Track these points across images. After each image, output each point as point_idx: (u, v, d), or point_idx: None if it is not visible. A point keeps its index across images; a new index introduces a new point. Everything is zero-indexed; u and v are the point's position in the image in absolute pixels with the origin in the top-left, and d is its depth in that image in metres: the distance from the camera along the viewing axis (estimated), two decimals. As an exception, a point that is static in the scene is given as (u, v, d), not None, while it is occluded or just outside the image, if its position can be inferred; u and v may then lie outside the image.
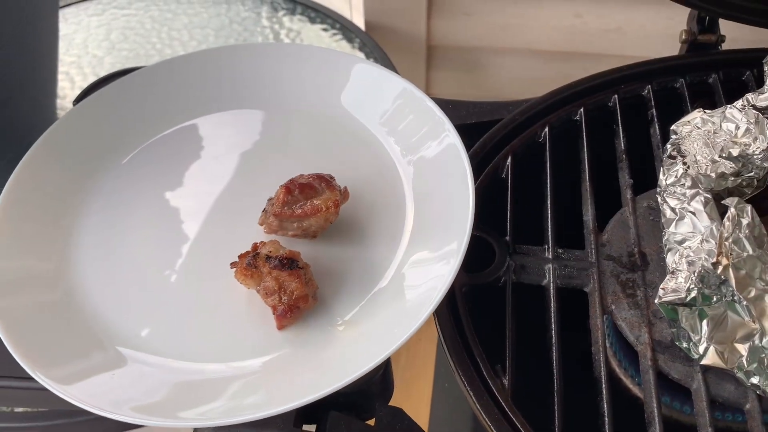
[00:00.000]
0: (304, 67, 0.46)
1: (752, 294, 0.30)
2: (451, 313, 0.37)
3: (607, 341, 0.38)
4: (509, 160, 0.44)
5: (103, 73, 0.81)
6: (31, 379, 0.33)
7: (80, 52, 0.85)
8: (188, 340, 0.36)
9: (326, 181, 0.38)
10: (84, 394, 0.32)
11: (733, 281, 0.30)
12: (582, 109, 0.47)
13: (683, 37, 0.52)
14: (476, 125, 0.47)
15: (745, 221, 0.31)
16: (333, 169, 0.40)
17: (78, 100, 0.49)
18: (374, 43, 0.82)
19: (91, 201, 0.42)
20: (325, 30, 0.87)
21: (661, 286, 0.32)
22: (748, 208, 0.31)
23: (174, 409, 0.32)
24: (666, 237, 0.34)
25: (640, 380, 0.38)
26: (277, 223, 0.38)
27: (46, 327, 0.35)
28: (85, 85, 0.81)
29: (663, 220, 0.35)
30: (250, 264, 0.35)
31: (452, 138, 0.40)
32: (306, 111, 0.45)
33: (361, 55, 0.79)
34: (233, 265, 0.36)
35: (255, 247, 0.36)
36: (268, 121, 0.45)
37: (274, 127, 0.45)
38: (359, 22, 0.92)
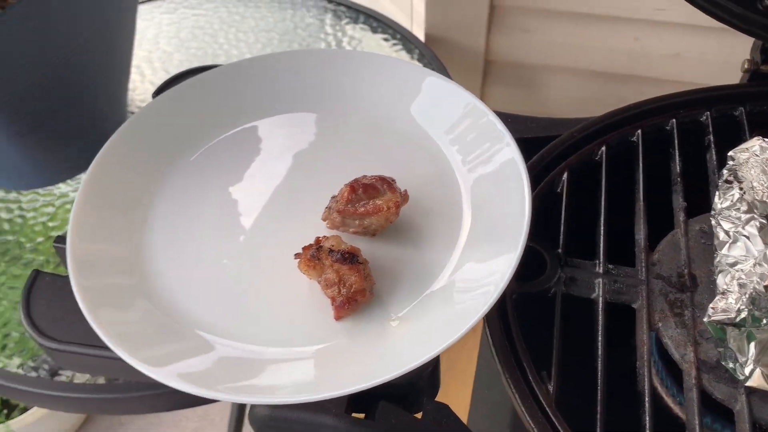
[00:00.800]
0: (377, 75, 0.48)
1: (804, 319, 0.30)
2: (501, 318, 0.39)
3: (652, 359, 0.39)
4: (565, 175, 0.45)
5: (172, 69, 0.86)
6: (106, 348, 0.35)
7: (151, 47, 0.89)
8: (251, 324, 0.38)
9: (388, 183, 0.40)
10: (158, 366, 0.34)
11: (785, 305, 0.30)
12: (639, 131, 0.48)
13: (745, 66, 0.52)
14: (534, 140, 0.48)
15: (799, 247, 0.31)
16: (394, 173, 0.42)
17: (157, 93, 0.51)
18: (432, 54, 0.84)
19: (163, 192, 0.45)
20: (385, 40, 0.89)
21: (711, 305, 0.33)
22: (804, 234, 0.32)
23: (234, 386, 0.34)
24: (718, 259, 0.35)
25: (681, 399, 0.39)
26: (340, 220, 0.40)
27: (125, 308, 0.37)
28: (155, 79, 0.86)
29: (716, 242, 0.36)
30: (314, 256, 0.37)
31: (512, 151, 0.41)
32: (373, 117, 0.47)
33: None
34: (297, 256, 0.38)
35: (318, 240, 0.38)
36: (335, 124, 0.47)
37: (340, 131, 0.47)
38: (419, 33, 0.94)
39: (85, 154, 0.71)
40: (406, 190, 0.40)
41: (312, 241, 0.39)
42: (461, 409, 0.57)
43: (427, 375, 0.37)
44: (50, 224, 0.71)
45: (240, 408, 1.09)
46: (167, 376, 0.34)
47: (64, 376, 0.58)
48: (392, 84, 0.47)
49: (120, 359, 0.36)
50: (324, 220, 0.41)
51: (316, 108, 0.49)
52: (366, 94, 0.48)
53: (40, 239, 0.69)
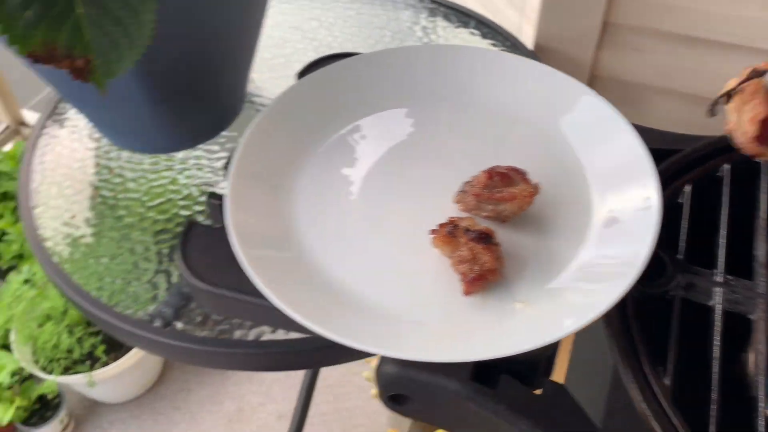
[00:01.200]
0: (527, 80, 0.51)
1: None
2: (620, 313, 0.41)
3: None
4: (688, 188, 0.47)
5: (287, 53, 0.90)
6: (257, 295, 0.39)
7: (270, 32, 0.94)
8: (389, 290, 0.41)
9: (522, 174, 0.43)
10: (308, 317, 0.37)
11: None
12: (765, 152, 0.49)
13: None
14: (657, 151, 0.50)
15: None
16: (525, 168, 0.44)
17: (301, 75, 0.55)
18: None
19: (305, 170, 0.48)
20: (494, 45, 0.91)
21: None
22: None
23: (374, 340, 0.37)
24: None
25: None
26: (474, 203, 0.42)
27: (278, 265, 0.41)
28: (273, 63, 0.90)
29: None
30: (450, 233, 0.40)
31: (644, 157, 0.43)
32: (512, 118, 0.50)
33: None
34: (433, 232, 0.41)
35: (453, 220, 0.41)
36: (475, 120, 0.50)
37: (475, 126, 0.50)
38: (527, 42, 0.96)
39: (209, 126, 0.77)
40: (538, 182, 0.43)
41: (444, 221, 0.42)
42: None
43: (547, 357, 0.39)
44: (170, 187, 0.76)
45: (308, 389, 1.13)
46: (314, 322, 0.37)
47: (177, 328, 0.63)
48: (545, 92, 0.50)
49: (265, 306, 0.40)
50: (457, 202, 0.44)
51: (452, 102, 0.51)
52: (511, 95, 0.50)
53: (160, 200, 0.75)
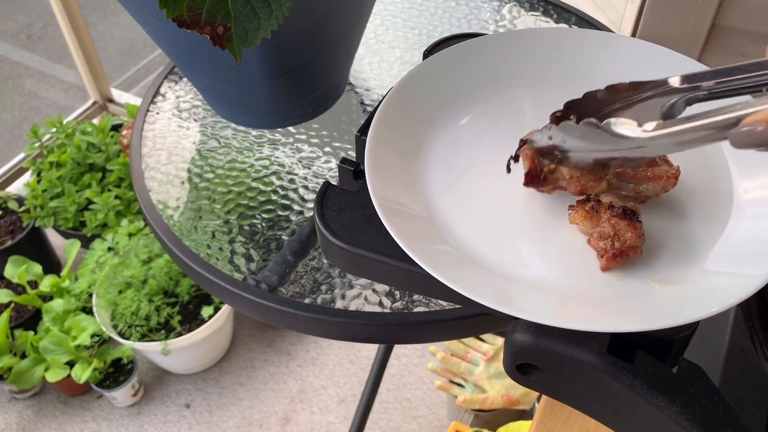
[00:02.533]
0: (659, 66, 0.50)
1: None
2: (761, 300, 0.40)
3: None
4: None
5: (388, 40, 0.92)
6: (390, 256, 0.40)
7: (372, 19, 0.96)
8: (526, 261, 0.42)
9: (663, 156, 0.43)
10: (451, 280, 0.38)
11: None
12: None
13: None
14: None
15: None
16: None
17: (427, 54, 0.56)
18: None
19: (438, 143, 0.49)
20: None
21: None
22: None
23: (512, 302, 0.38)
24: None
25: None
26: (615, 181, 0.43)
27: (417, 230, 0.42)
28: (375, 47, 0.92)
29: None
30: (593, 208, 0.40)
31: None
32: None
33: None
34: (572, 207, 0.42)
35: (596, 196, 0.41)
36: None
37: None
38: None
39: (313, 105, 0.79)
40: (679, 166, 0.43)
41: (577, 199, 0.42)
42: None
43: (683, 338, 0.39)
44: (275, 160, 0.78)
45: (378, 373, 1.14)
46: (454, 282, 0.38)
47: (282, 293, 0.65)
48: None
49: (399, 267, 0.41)
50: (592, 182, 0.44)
51: (584, 85, 0.51)
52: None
53: (265, 172, 0.77)
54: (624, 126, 0.36)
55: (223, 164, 0.77)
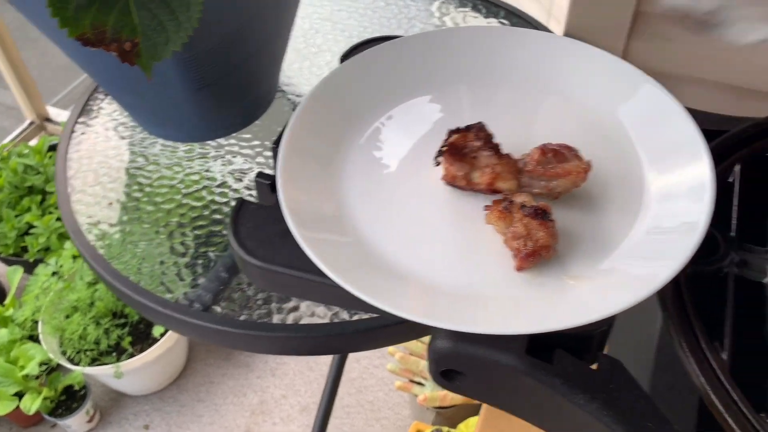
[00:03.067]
0: (590, 67, 0.51)
1: None
2: (675, 290, 0.41)
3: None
4: (737, 167, 0.47)
5: (318, 42, 0.91)
6: (309, 271, 0.40)
7: (299, 23, 0.95)
8: (442, 265, 0.41)
9: (574, 151, 0.43)
10: (362, 290, 0.38)
11: None
12: (814, 132, 0.49)
13: None
14: (704, 132, 0.50)
15: None
16: (577, 146, 0.44)
17: (344, 58, 0.55)
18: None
19: (355, 147, 0.48)
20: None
21: None
22: None
23: (425, 311, 0.37)
24: None
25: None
26: (526, 180, 0.42)
27: (331, 242, 0.41)
28: (306, 52, 0.91)
29: None
30: (506, 208, 0.40)
31: (697, 136, 0.43)
32: (563, 97, 0.50)
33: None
34: (487, 208, 0.41)
35: (507, 196, 0.41)
36: (521, 98, 0.50)
37: (526, 105, 0.50)
38: (558, 32, 0.96)
39: (242, 114, 0.77)
40: (590, 161, 0.43)
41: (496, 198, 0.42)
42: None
43: (601, 332, 0.39)
44: (205, 174, 0.77)
45: (335, 380, 1.13)
46: (369, 294, 0.37)
47: (215, 312, 0.63)
48: (602, 79, 0.50)
49: (318, 282, 0.40)
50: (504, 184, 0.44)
51: (504, 83, 0.51)
52: (563, 77, 0.50)
53: (196, 187, 0.75)
54: None
55: (152, 182, 0.75)
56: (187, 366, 1.53)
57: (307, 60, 0.89)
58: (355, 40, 0.95)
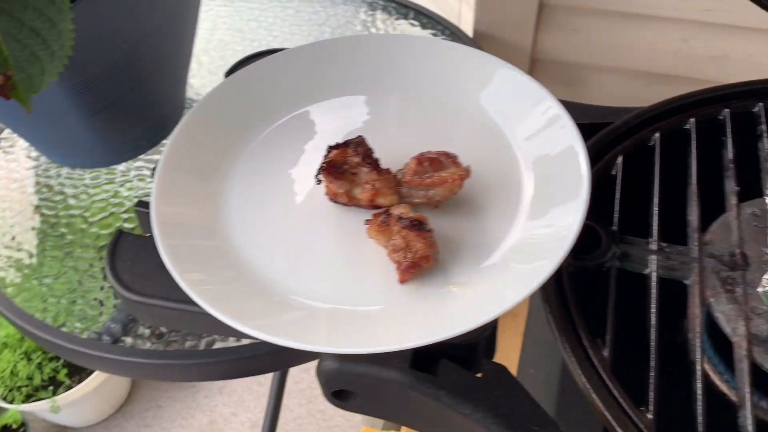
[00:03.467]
0: (449, 62, 0.50)
1: None
2: (557, 289, 0.41)
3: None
4: (620, 159, 0.47)
5: (228, 58, 0.89)
6: (187, 302, 0.38)
7: (208, 37, 0.93)
8: (320, 284, 0.40)
9: (452, 158, 0.42)
10: (236, 317, 0.37)
11: (838, 275, 0.32)
12: (693, 120, 0.49)
13: (799, 60, 0.54)
14: (588, 125, 0.50)
15: None
16: (456, 151, 0.44)
17: (229, 73, 0.54)
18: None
19: (238, 162, 0.48)
20: (434, 35, 0.91)
21: (765, 276, 0.35)
22: None
23: (308, 336, 0.37)
24: (773, 235, 0.37)
25: (728, 377, 0.40)
26: (405, 190, 0.42)
27: (206, 266, 0.40)
28: (212, 67, 0.89)
29: (771, 219, 0.37)
30: (384, 222, 0.40)
31: (571, 131, 0.43)
32: (436, 100, 0.50)
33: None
34: (367, 222, 0.41)
35: (386, 209, 0.41)
36: (401, 105, 0.50)
37: (403, 112, 0.50)
38: (467, 30, 0.96)
39: (147, 135, 0.75)
40: (469, 166, 0.42)
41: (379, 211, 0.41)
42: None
43: (486, 338, 0.39)
44: (112, 200, 0.74)
45: (277, 394, 1.11)
46: (242, 324, 0.36)
47: (124, 343, 0.62)
48: (462, 71, 0.49)
49: (195, 312, 0.39)
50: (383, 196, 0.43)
51: (383, 90, 0.51)
52: (436, 78, 0.50)
53: (103, 215, 0.73)
54: None
55: (57, 212, 0.72)
56: (132, 392, 1.49)
57: (216, 74, 0.87)
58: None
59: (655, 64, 0.91)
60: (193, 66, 0.88)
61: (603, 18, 0.88)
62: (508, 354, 0.68)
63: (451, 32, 0.92)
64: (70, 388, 1.28)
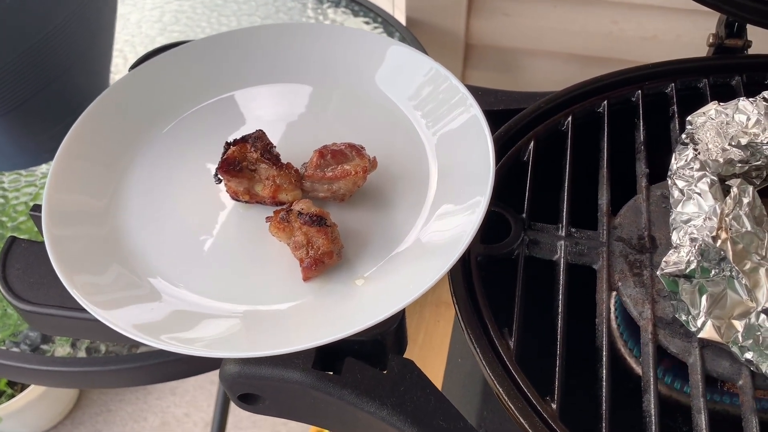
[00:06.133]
0: (343, 46, 0.49)
1: (747, 266, 0.32)
2: (465, 278, 0.40)
3: (613, 318, 0.41)
4: (532, 144, 0.46)
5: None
6: (80, 309, 0.36)
7: (134, 31, 0.90)
8: (222, 283, 0.39)
9: (357, 149, 0.41)
10: (123, 321, 0.35)
11: (730, 254, 0.32)
12: (605, 102, 0.49)
13: (710, 40, 0.54)
14: (503, 112, 0.49)
15: (746, 200, 0.32)
16: (363, 141, 0.42)
17: (133, 67, 0.52)
18: (413, 37, 0.85)
19: (142, 154, 0.46)
20: (366, 23, 0.90)
21: (664, 259, 0.34)
22: (750, 189, 0.33)
23: (204, 341, 0.35)
24: (673, 216, 0.36)
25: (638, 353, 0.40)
26: (309, 185, 0.41)
27: (92, 257, 0.39)
28: (136, 54, 0.86)
29: (671, 200, 0.37)
30: (284, 218, 0.38)
31: (475, 113, 0.42)
32: (341, 88, 0.48)
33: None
34: (268, 219, 0.39)
35: (289, 205, 0.39)
36: (304, 95, 0.49)
37: (309, 102, 0.48)
38: (400, 17, 0.95)
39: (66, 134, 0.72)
40: (374, 157, 0.41)
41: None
42: (437, 380, 0.59)
43: (393, 332, 0.38)
44: (32, 203, 0.71)
45: (225, 395, 1.10)
46: (126, 326, 0.35)
47: (45, 351, 0.59)
48: (359, 55, 0.48)
49: (90, 319, 0.37)
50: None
51: (284, 80, 0.49)
52: (333, 64, 0.49)
53: (22, 218, 0.70)
54: None
55: (-28, 218, 0.69)
56: (81, 397, 1.45)
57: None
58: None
59: (588, 47, 0.91)
60: (118, 61, 0.85)
61: (534, 2, 0.88)
62: (441, 343, 0.67)
63: (384, 19, 0.90)
64: (12, 397, 1.24)
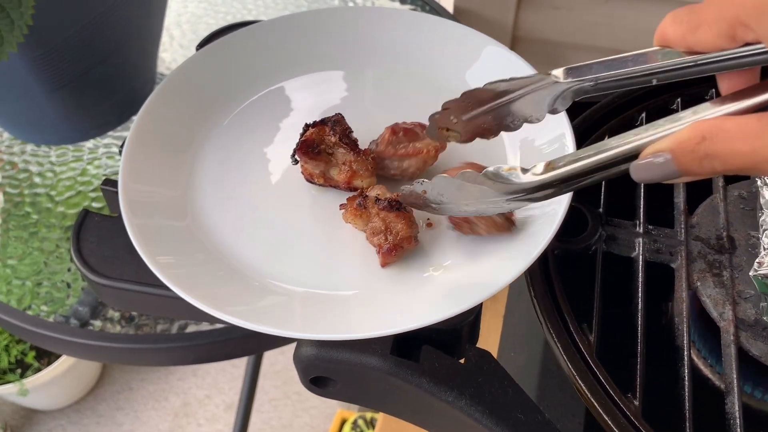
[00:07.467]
0: (440, 39, 0.49)
1: None
2: (543, 272, 0.39)
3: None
4: (606, 138, 0.46)
5: (201, 31, 0.86)
6: (157, 286, 0.36)
7: (180, 10, 0.90)
8: (298, 269, 0.39)
9: (424, 128, 0.41)
10: (210, 302, 0.35)
11: (831, 259, 0.31)
12: (679, 99, 0.48)
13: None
14: (573, 104, 0.49)
15: None
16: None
17: (200, 45, 0.52)
18: (462, 27, 0.84)
19: (211, 139, 0.45)
20: (413, 10, 0.89)
21: (757, 260, 0.34)
22: None
23: (285, 322, 0.35)
24: (763, 217, 0.36)
25: (712, 361, 0.40)
26: (379, 162, 0.40)
27: (177, 248, 0.38)
28: (184, 41, 0.86)
29: (762, 201, 0.36)
30: (360, 204, 0.38)
31: (560, 117, 0.42)
32: (428, 80, 0.48)
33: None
34: (342, 206, 0.39)
35: (362, 191, 0.39)
36: (380, 80, 0.48)
37: (384, 87, 0.48)
38: (448, 5, 0.94)
39: (116, 111, 0.72)
40: (444, 139, 0.41)
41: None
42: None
43: (469, 323, 0.37)
44: (79, 179, 0.72)
45: (252, 376, 1.10)
46: (216, 309, 0.34)
47: (93, 326, 0.59)
48: (454, 49, 0.48)
49: (165, 296, 0.37)
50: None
51: (359, 65, 0.49)
52: (421, 56, 0.48)
53: (69, 193, 0.70)
54: (510, 172, 0.32)
55: (21, 191, 0.70)
56: (104, 374, 1.46)
57: (188, 48, 0.84)
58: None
59: (637, 43, 0.89)
60: (164, 39, 0.85)
61: (585, -5, 0.87)
62: (488, 337, 0.67)
63: (431, 8, 0.90)
64: (39, 370, 1.25)
